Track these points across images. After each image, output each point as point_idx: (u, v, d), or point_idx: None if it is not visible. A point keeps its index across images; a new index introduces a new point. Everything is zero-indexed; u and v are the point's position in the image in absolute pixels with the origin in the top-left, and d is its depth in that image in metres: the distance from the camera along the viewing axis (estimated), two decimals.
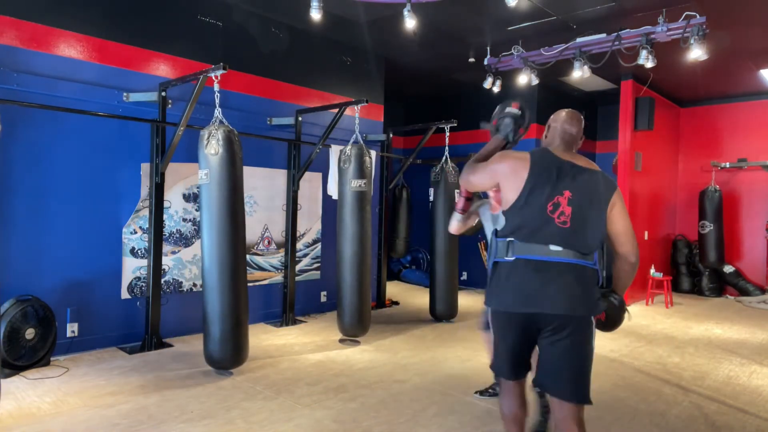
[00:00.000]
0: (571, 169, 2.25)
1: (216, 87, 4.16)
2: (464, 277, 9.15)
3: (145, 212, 4.95)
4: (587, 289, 2.20)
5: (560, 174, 2.23)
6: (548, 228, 2.18)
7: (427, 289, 6.63)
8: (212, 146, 3.99)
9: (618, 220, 2.28)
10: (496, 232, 2.33)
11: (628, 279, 2.36)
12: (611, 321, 2.40)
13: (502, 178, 2.31)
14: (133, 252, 4.94)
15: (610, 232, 2.29)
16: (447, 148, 6.42)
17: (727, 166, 8.82)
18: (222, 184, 4.01)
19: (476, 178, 2.43)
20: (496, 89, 6.68)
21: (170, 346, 4.89)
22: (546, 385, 2.26)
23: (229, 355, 4.06)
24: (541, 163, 2.26)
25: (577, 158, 2.32)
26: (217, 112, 4.16)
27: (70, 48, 4.54)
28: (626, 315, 2.43)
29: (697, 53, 5.14)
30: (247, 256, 5.81)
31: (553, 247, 2.19)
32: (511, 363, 2.34)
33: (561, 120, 2.42)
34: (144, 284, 4.98)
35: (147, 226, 4.93)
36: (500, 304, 2.27)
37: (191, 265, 5.36)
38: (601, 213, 2.23)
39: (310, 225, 6.46)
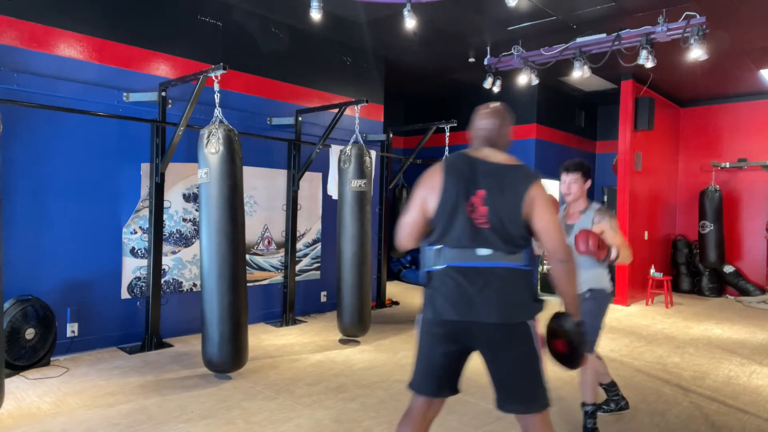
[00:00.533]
0: (483, 166, 2.18)
1: (216, 87, 4.16)
2: None
3: (145, 212, 4.95)
4: (521, 293, 2.10)
5: (473, 173, 2.16)
6: (471, 230, 2.11)
7: None
8: (212, 145, 3.99)
9: (537, 216, 2.10)
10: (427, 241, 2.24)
11: (565, 282, 2.14)
12: (572, 350, 2.15)
13: (426, 197, 2.20)
14: (133, 252, 4.94)
15: (533, 230, 2.13)
16: (447, 148, 6.42)
17: (727, 166, 8.82)
18: (222, 183, 3.98)
19: (405, 220, 2.25)
20: (496, 89, 6.69)
21: (170, 346, 4.89)
22: (500, 404, 2.14)
23: (228, 359, 3.96)
24: (453, 167, 2.20)
25: (493, 155, 2.23)
26: (217, 112, 4.16)
27: (70, 48, 4.54)
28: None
29: (697, 53, 5.14)
30: (247, 256, 5.81)
31: (480, 251, 2.10)
32: (430, 376, 2.19)
33: (475, 118, 2.33)
34: (144, 284, 4.98)
35: (147, 226, 4.93)
36: (434, 314, 2.13)
37: (191, 265, 5.36)
38: (516, 209, 2.09)
39: (310, 225, 6.46)
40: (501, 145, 2.28)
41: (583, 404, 3.21)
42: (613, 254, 2.95)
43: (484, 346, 2.11)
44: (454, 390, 2.24)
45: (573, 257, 2.14)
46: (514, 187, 2.12)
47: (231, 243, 4.01)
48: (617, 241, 2.99)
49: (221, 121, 4.12)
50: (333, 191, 5.70)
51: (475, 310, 2.06)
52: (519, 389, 2.10)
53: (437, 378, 2.18)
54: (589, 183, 3.29)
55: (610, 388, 3.56)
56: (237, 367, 4.06)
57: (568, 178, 3.25)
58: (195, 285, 5.37)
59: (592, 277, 3.17)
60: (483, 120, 2.30)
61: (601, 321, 3.21)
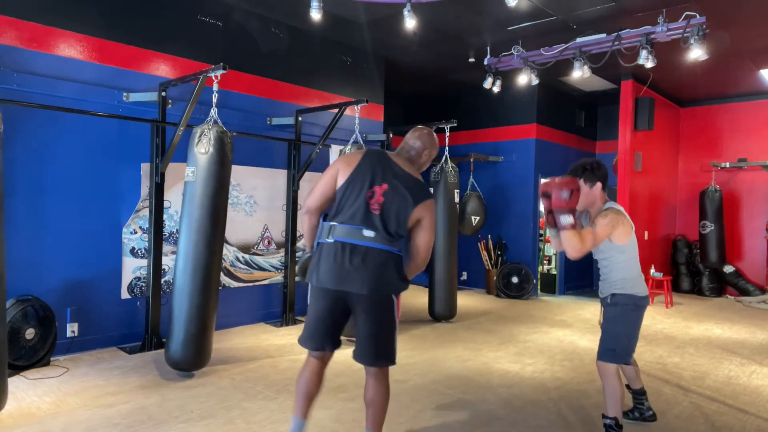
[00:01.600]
0: (396, 168, 2.60)
1: (214, 87, 4.16)
2: (464, 277, 9.15)
3: (145, 212, 4.95)
4: (391, 272, 2.54)
5: (385, 170, 2.58)
6: (364, 211, 2.51)
7: (427, 289, 6.63)
8: (203, 145, 3.97)
9: (420, 233, 2.59)
10: (325, 216, 2.64)
11: (411, 273, 2.66)
12: None
13: (340, 169, 2.62)
14: (133, 252, 4.94)
15: (412, 239, 2.60)
16: (447, 148, 6.42)
17: (727, 166, 8.82)
18: (207, 183, 3.95)
19: (316, 186, 2.68)
20: (496, 89, 6.68)
21: None
22: (356, 355, 2.61)
23: (191, 358, 3.93)
24: (371, 158, 2.61)
25: (407, 166, 2.65)
26: (213, 112, 4.15)
27: (70, 48, 4.54)
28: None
29: (697, 53, 5.14)
30: (248, 256, 5.82)
31: (366, 232, 2.51)
32: (315, 333, 2.63)
33: (410, 134, 2.77)
34: (144, 284, 4.97)
35: (147, 226, 4.93)
36: (317, 281, 2.55)
37: None
38: (405, 213, 2.53)
39: None
40: (418, 164, 2.74)
41: (603, 416, 3.03)
42: (564, 221, 2.68)
43: (356, 310, 2.57)
44: (335, 344, 2.70)
45: (423, 261, 2.63)
46: (412, 197, 2.54)
47: (208, 245, 3.97)
48: (588, 230, 2.82)
49: (215, 122, 4.12)
50: None
51: (349, 282, 2.49)
52: (375, 348, 2.59)
53: (317, 335, 2.64)
54: (598, 186, 2.94)
55: (637, 395, 3.41)
56: (198, 367, 4.04)
57: None
58: None
59: (616, 281, 2.98)
60: (416, 140, 2.75)
61: (624, 327, 2.97)
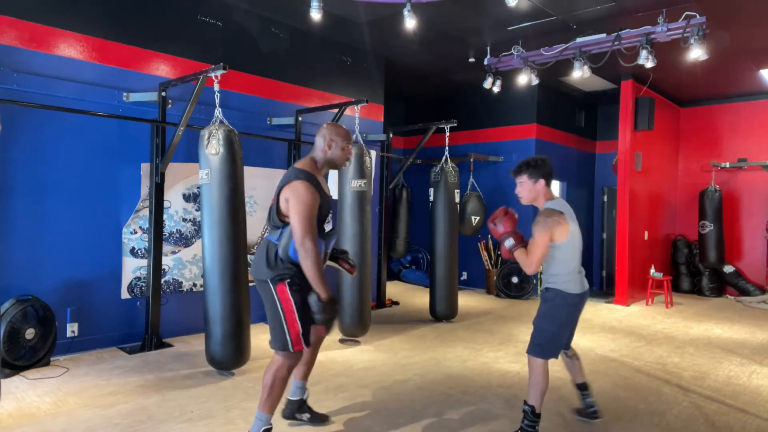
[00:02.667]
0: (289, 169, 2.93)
1: (216, 87, 4.16)
2: (464, 277, 9.15)
3: (145, 212, 4.95)
4: (261, 258, 2.81)
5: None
6: (268, 211, 2.89)
7: (427, 289, 6.63)
8: (213, 146, 4.00)
9: (290, 214, 2.73)
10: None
11: (305, 266, 2.71)
12: (319, 320, 2.77)
13: None
14: (133, 252, 4.94)
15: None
16: (447, 148, 6.42)
17: (727, 166, 8.82)
18: (222, 183, 4.01)
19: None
20: (496, 89, 6.68)
21: (170, 346, 4.89)
22: None
23: (230, 356, 4.05)
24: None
25: (304, 163, 2.90)
26: (218, 112, 4.16)
27: (69, 48, 4.54)
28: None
29: (697, 53, 5.13)
30: (248, 256, 5.80)
31: (267, 226, 2.91)
32: None
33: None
34: (144, 284, 4.97)
35: (147, 226, 4.93)
36: None
37: (191, 265, 5.36)
38: (276, 196, 2.79)
39: None
40: (327, 157, 2.94)
41: (525, 402, 3.07)
42: (508, 244, 3.02)
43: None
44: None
45: (313, 245, 2.68)
46: (281, 181, 2.81)
47: (232, 243, 4.07)
48: (530, 242, 3.01)
49: (221, 122, 4.13)
50: (333, 191, 5.69)
51: (251, 269, 2.90)
52: (270, 329, 2.84)
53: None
54: (541, 182, 3.08)
55: (581, 390, 3.41)
56: (239, 364, 4.14)
57: (516, 180, 3.16)
58: (195, 285, 5.37)
59: (549, 276, 3.05)
60: (316, 138, 2.99)
61: (551, 324, 3.03)
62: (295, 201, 2.68)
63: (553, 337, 3.04)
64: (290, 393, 3.23)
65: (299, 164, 2.87)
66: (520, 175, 3.14)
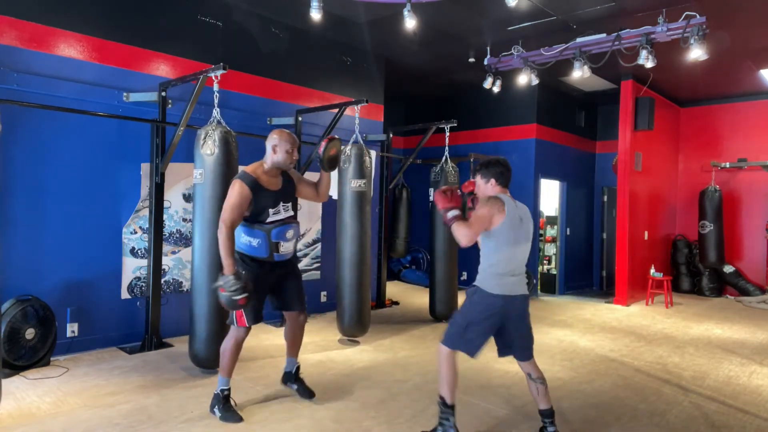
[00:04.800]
0: None
1: (215, 87, 4.16)
2: (464, 277, 9.15)
3: (145, 212, 4.95)
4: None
5: None
6: None
7: (427, 289, 6.63)
8: (208, 146, 3.99)
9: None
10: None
11: (219, 246, 3.13)
12: (219, 293, 3.13)
13: None
14: (133, 252, 4.94)
15: None
16: (447, 148, 6.41)
17: (727, 166, 8.82)
18: (216, 184, 4.00)
19: None
20: (496, 89, 6.69)
21: (170, 346, 4.89)
22: None
23: (214, 355, 3.95)
24: None
25: (255, 167, 3.37)
26: (215, 112, 4.15)
27: (70, 48, 4.54)
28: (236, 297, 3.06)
29: (697, 53, 5.14)
30: None
31: None
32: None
33: None
34: (144, 284, 4.97)
35: (147, 226, 4.93)
36: None
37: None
38: None
39: (310, 225, 6.46)
40: (276, 161, 3.37)
41: (440, 396, 3.05)
42: (450, 215, 2.95)
43: None
44: (279, 308, 3.64)
45: (225, 229, 3.12)
46: None
47: None
48: (470, 213, 3.03)
49: (219, 122, 4.12)
50: (333, 191, 5.69)
51: None
52: None
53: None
54: (492, 182, 3.10)
55: (543, 418, 3.09)
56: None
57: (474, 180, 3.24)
58: None
59: (479, 271, 3.07)
60: (266, 141, 3.39)
61: (465, 318, 3.00)
62: (228, 195, 3.21)
63: (459, 330, 3.01)
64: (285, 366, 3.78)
65: (245, 167, 3.37)
66: (474, 175, 3.22)
